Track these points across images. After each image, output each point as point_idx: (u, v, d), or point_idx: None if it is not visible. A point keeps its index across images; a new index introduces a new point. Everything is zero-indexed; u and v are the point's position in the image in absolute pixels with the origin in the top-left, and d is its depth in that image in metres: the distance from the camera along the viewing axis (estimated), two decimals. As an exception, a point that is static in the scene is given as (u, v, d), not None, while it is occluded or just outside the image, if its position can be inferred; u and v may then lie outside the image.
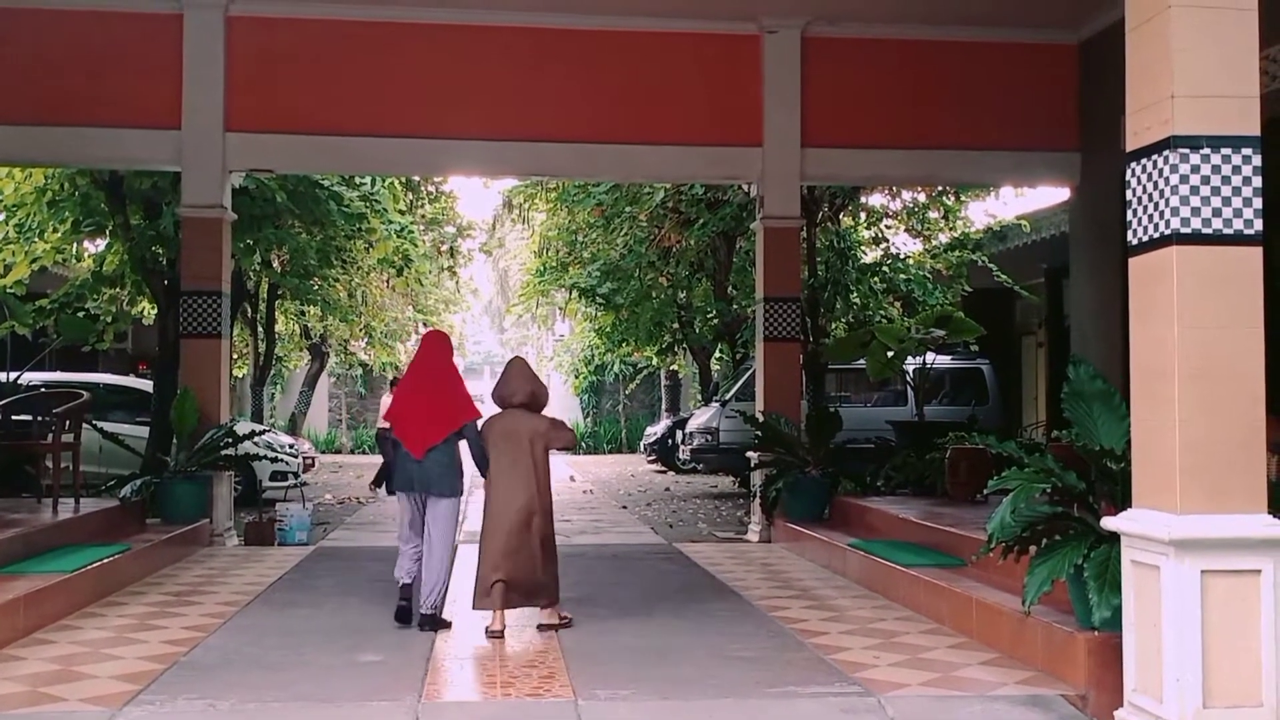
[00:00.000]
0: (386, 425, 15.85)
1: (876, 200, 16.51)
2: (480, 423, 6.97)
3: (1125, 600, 4.97)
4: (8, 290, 12.48)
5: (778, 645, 6.51)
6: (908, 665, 6.00)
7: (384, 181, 15.42)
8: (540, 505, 6.82)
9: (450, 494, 6.95)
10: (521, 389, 6.97)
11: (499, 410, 7.04)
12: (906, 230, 16.83)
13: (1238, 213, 4.75)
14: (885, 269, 15.99)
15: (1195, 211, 4.73)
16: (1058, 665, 5.62)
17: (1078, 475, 5.63)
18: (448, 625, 6.84)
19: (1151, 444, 4.86)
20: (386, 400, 17.24)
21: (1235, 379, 4.71)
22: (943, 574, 7.40)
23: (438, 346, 7.21)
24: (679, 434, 20.78)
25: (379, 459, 21.35)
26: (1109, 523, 5.09)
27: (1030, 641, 5.91)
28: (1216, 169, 4.74)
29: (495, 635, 6.60)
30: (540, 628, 6.79)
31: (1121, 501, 5.24)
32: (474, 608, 6.76)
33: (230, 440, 10.65)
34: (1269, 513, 4.72)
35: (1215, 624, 4.63)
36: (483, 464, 6.96)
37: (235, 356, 18.68)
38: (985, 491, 5.97)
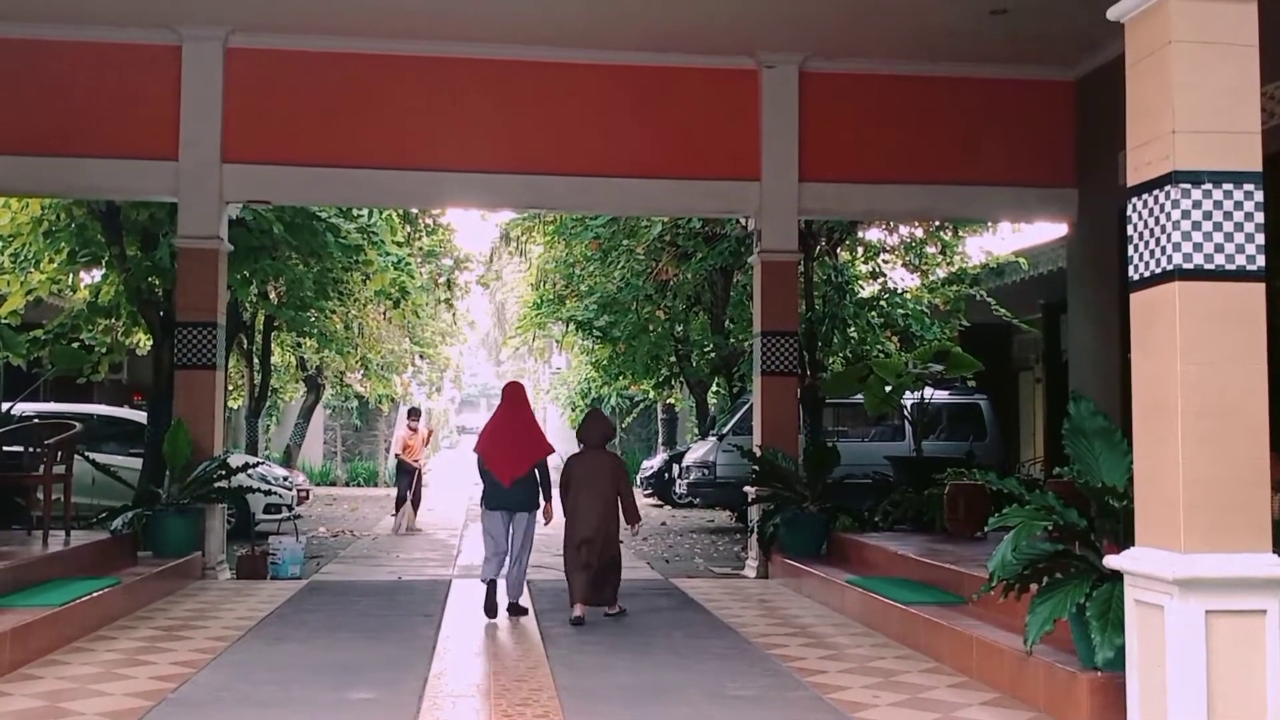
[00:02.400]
0: (402, 455, 15.85)
1: (874, 235, 16.52)
2: (565, 458, 8.96)
3: (1128, 640, 4.91)
4: (2, 320, 12.42)
5: (776, 684, 6.43)
6: (908, 705, 5.92)
7: (381, 213, 15.42)
8: (608, 528, 8.50)
9: (530, 511, 8.59)
10: (598, 433, 8.83)
11: (582, 448, 8.81)
12: (904, 265, 16.83)
13: (1240, 248, 4.73)
14: (883, 303, 15.97)
15: (1197, 247, 4.71)
16: (1060, 706, 5.54)
17: (1079, 513, 5.58)
18: (525, 611, 8.58)
19: (1154, 481, 4.81)
20: (401, 432, 17.11)
21: (1238, 416, 4.67)
22: (942, 612, 7.32)
23: (518, 395, 8.90)
24: (675, 468, 20.69)
25: (375, 491, 21.28)
26: (1111, 561, 5.04)
27: (1032, 682, 5.84)
28: (1218, 204, 4.73)
29: (578, 622, 8.18)
30: (606, 615, 8.46)
31: (1124, 540, 5.19)
32: (571, 603, 8.38)
33: (223, 473, 10.57)
34: (1274, 552, 4.67)
35: (1220, 665, 4.57)
36: (549, 491, 8.62)
37: (230, 388, 18.61)
38: (985, 529, 5.91)
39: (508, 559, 8.52)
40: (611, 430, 9.05)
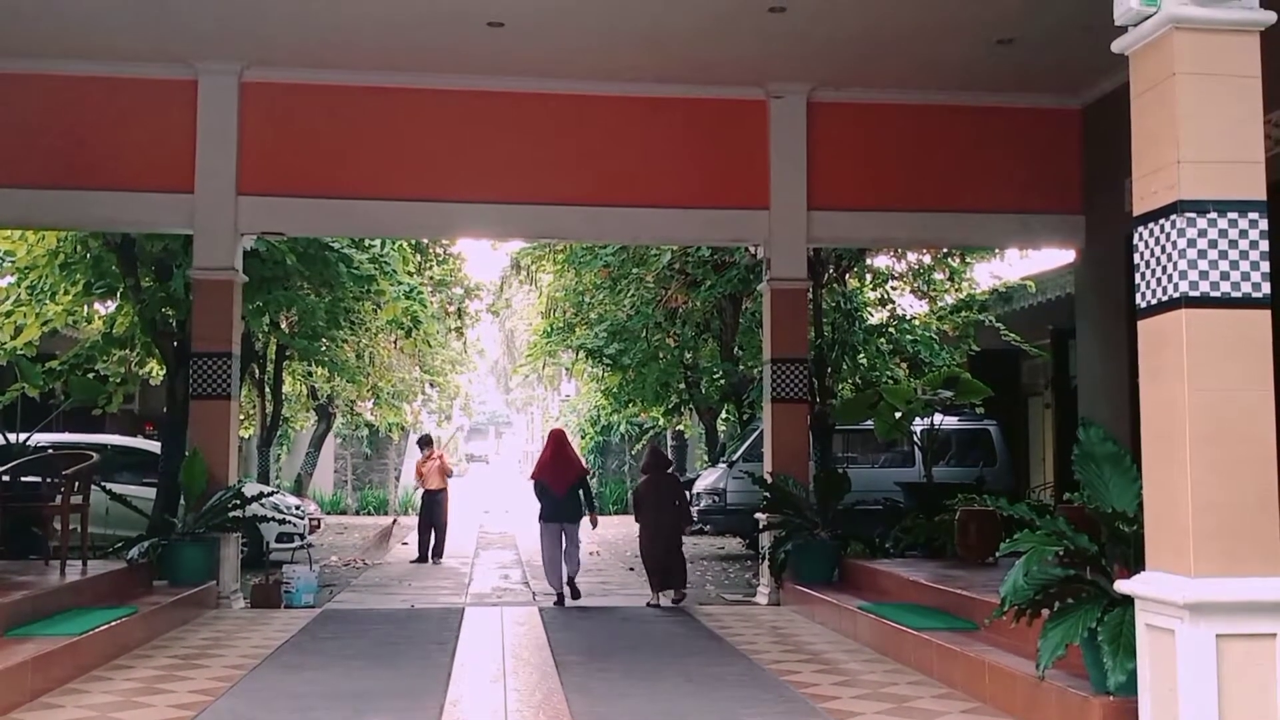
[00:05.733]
0: (428, 487, 15.94)
1: (882, 262, 16.59)
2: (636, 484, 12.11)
3: (1140, 664, 4.95)
4: (18, 352, 12.52)
5: (789, 710, 6.47)
6: (921, 730, 5.94)
7: (393, 243, 15.53)
8: (671, 532, 11.24)
9: (577, 520, 11.46)
10: (662, 464, 11.96)
11: (647, 475, 11.70)
12: (912, 291, 16.89)
13: (1245, 276, 4.80)
14: (892, 330, 16.03)
15: (1203, 275, 4.77)
16: (1073, 730, 5.56)
17: (1089, 538, 5.62)
18: (579, 595, 11.26)
19: (1164, 506, 4.86)
20: (418, 460, 17.00)
21: (1247, 441, 4.73)
22: (955, 637, 7.35)
23: (562, 437, 12.24)
24: (686, 495, 20.67)
25: (386, 520, 21.19)
26: (1123, 586, 5.08)
27: (1045, 706, 5.86)
28: (1223, 233, 4.80)
29: (654, 605, 10.94)
30: (674, 601, 10.93)
31: (1134, 564, 5.23)
32: (653, 590, 11.19)
33: (238, 502, 10.64)
34: (1284, 576, 4.70)
35: (1232, 688, 4.61)
36: (591, 504, 11.73)
37: (241, 417, 18.67)
38: (997, 554, 5.95)
39: (563, 562, 11.23)
40: (668, 460, 12.56)
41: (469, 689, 7.08)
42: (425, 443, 17.35)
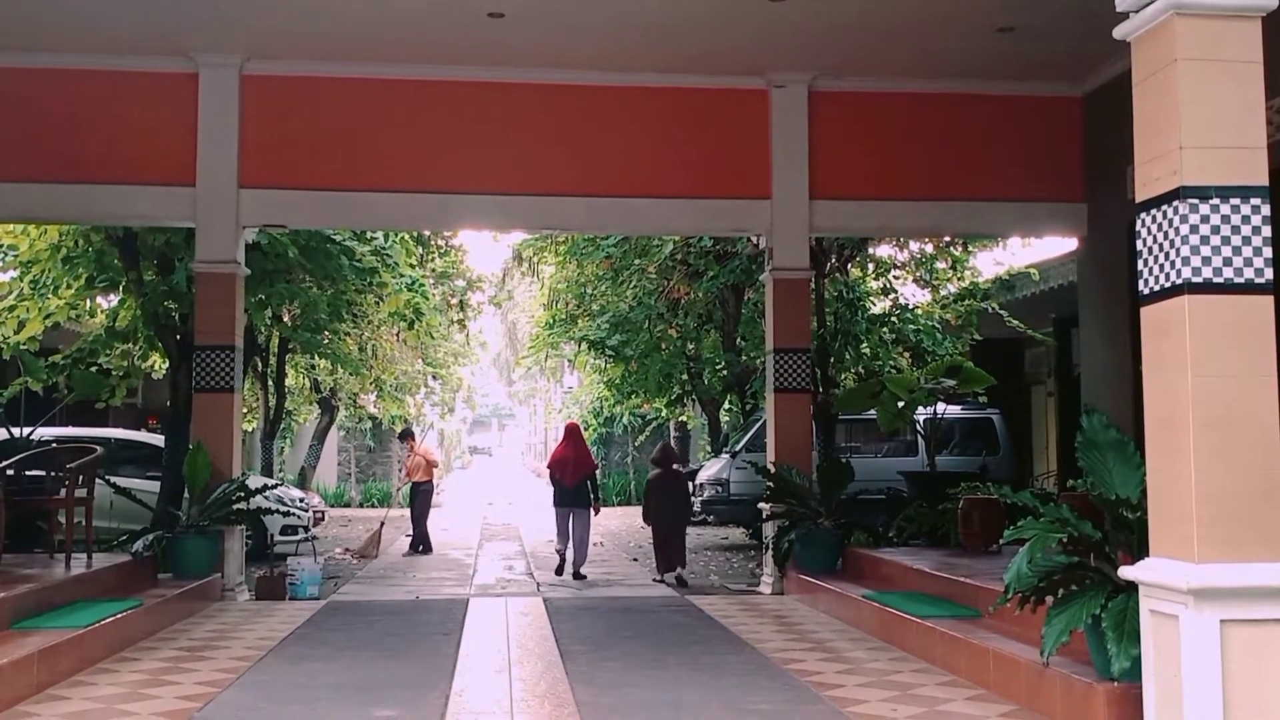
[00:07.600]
0: (421, 479, 16.22)
1: (884, 251, 16.57)
2: (648, 477, 13.56)
3: (1144, 650, 4.96)
4: (21, 346, 12.53)
5: (794, 698, 6.48)
6: (926, 718, 5.96)
7: (396, 236, 15.52)
8: (676, 519, 12.65)
9: (585, 507, 12.94)
10: (670, 460, 13.21)
11: (658, 470, 13.06)
12: (915, 281, 16.87)
13: (1248, 262, 4.80)
14: (894, 319, 16.00)
15: (1206, 261, 4.77)
16: (1077, 717, 5.58)
17: (1093, 525, 5.63)
18: (585, 577, 12.62)
19: (1167, 493, 4.86)
20: (406, 454, 17.03)
21: (1250, 427, 4.73)
22: (959, 625, 7.36)
23: (576, 431, 13.77)
24: (689, 485, 20.66)
25: (390, 512, 21.17)
26: (1126, 572, 5.09)
27: (1049, 693, 5.88)
28: (1226, 219, 4.80)
29: (660, 582, 12.26)
30: (677, 579, 12.20)
31: (1138, 551, 5.23)
32: (657, 570, 12.65)
33: (242, 494, 10.65)
34: (1287, 561, 4.71)
35: (1236, 674, 4.62)
36: (597, 494, 13.24)
37: (245, 411, 18.67)
38: (1001, 541, 5.96)
39: (570, 540, 12.76)
40: (676, 456, 14.04)
41: (474, 679, 7.10)
42: (404, 436, 17.40)
